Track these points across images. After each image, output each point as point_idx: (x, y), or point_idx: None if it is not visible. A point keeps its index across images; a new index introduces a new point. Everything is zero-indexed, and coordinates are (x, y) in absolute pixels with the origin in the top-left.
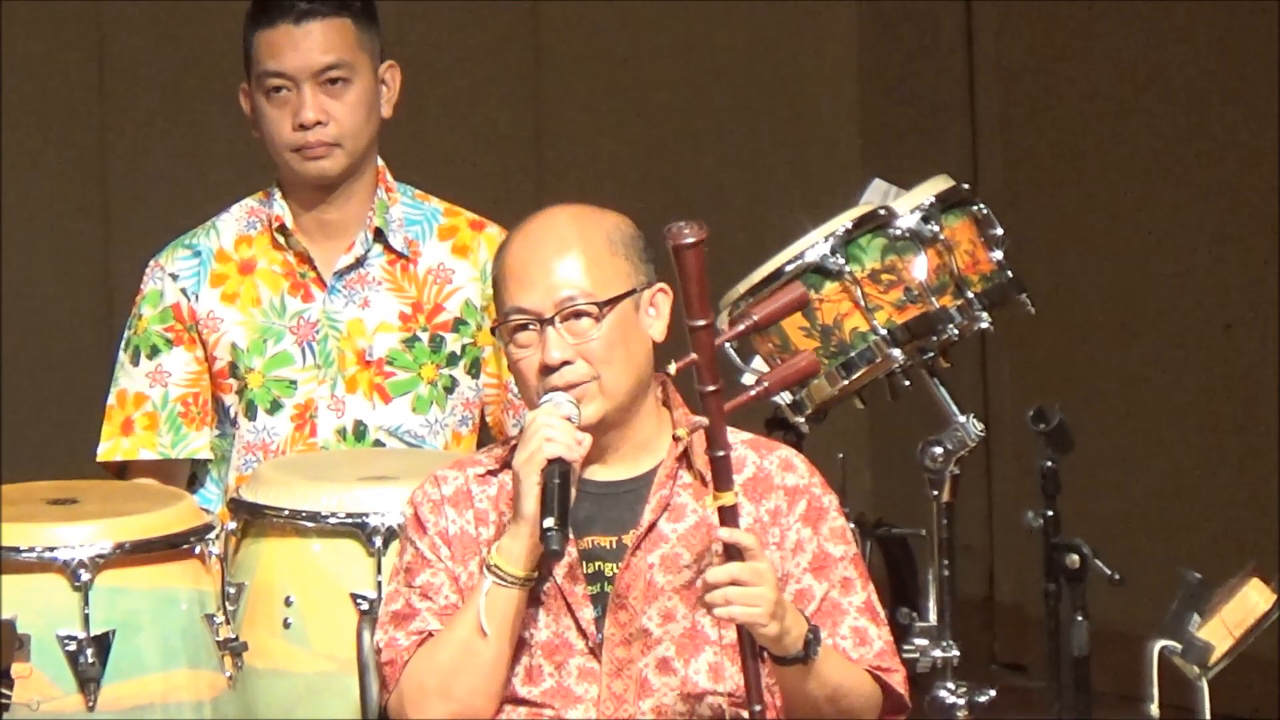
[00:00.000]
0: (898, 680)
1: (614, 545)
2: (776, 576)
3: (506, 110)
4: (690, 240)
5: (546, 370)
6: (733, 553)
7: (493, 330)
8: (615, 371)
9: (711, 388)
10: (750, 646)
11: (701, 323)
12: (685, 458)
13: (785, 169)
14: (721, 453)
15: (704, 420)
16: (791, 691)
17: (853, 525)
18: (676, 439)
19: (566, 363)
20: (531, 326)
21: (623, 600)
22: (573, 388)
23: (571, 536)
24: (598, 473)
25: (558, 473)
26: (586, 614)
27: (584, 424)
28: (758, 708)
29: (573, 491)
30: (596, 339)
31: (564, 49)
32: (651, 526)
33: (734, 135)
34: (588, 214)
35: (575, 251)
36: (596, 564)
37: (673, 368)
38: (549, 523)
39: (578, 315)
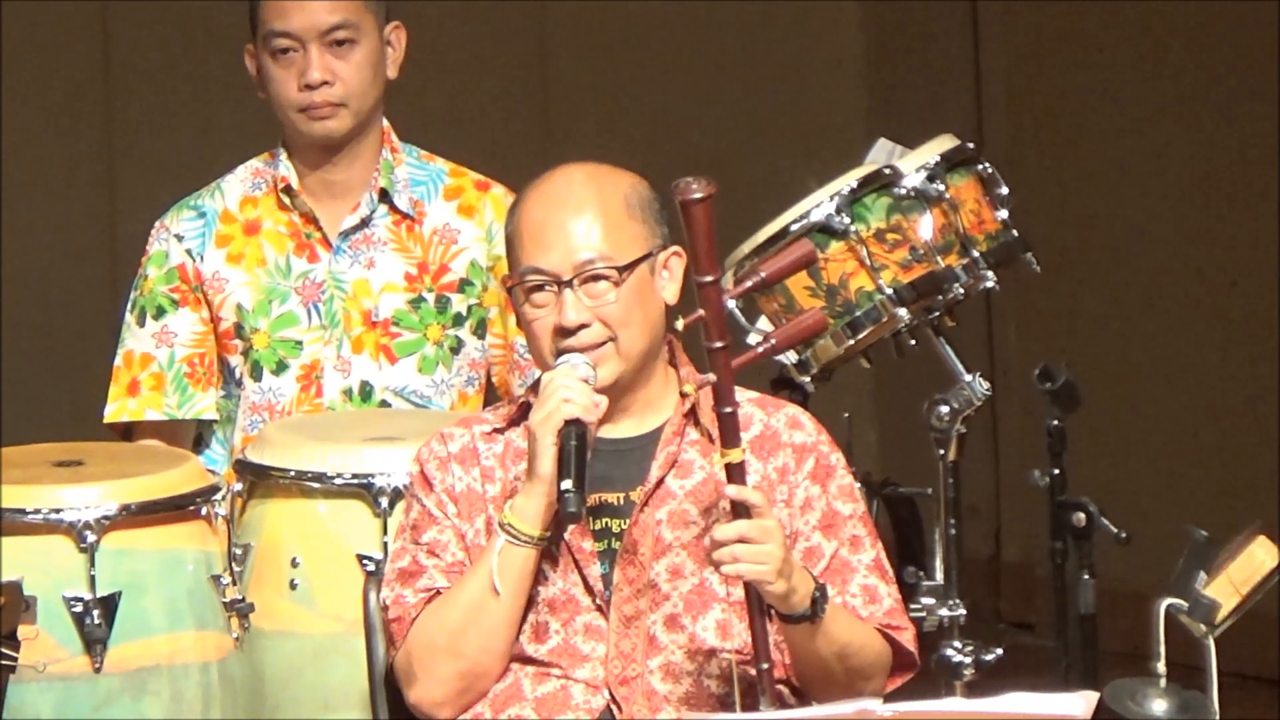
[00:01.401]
0: (907, 638)
1: (622, 502)
2: (785, 534)
3: (513, 72)
4: (698, 195)
5: (563, 332)
6: (740, 510)
7: (508, 289)
8: (631, 334)
9: (719, 344)
10: (758, 604)
11: (709, 278)
12: (692, 415)
13: (790, 130)
14: (728, 409)
15: (711, 377)
16: (800, 650)
17: (859, 485)
18: (684, 395)
19: (583, 325)
20: (548, 287)
21: (631, 556)
22: (588, 350)
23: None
24: (606, 430)
25: (575, 434)
26: (594, 570)
27: (600, 386)
28: (764, 665)
29: (589, 453)
30: (615, 303)
31: (571, 13)
32: (659, 483)
33: (739, 96)
34: (604, 174)
35: (593, 213)
36: (604, 520)
37: (680, 324)
38: (566, 485)
39: (596, 279)
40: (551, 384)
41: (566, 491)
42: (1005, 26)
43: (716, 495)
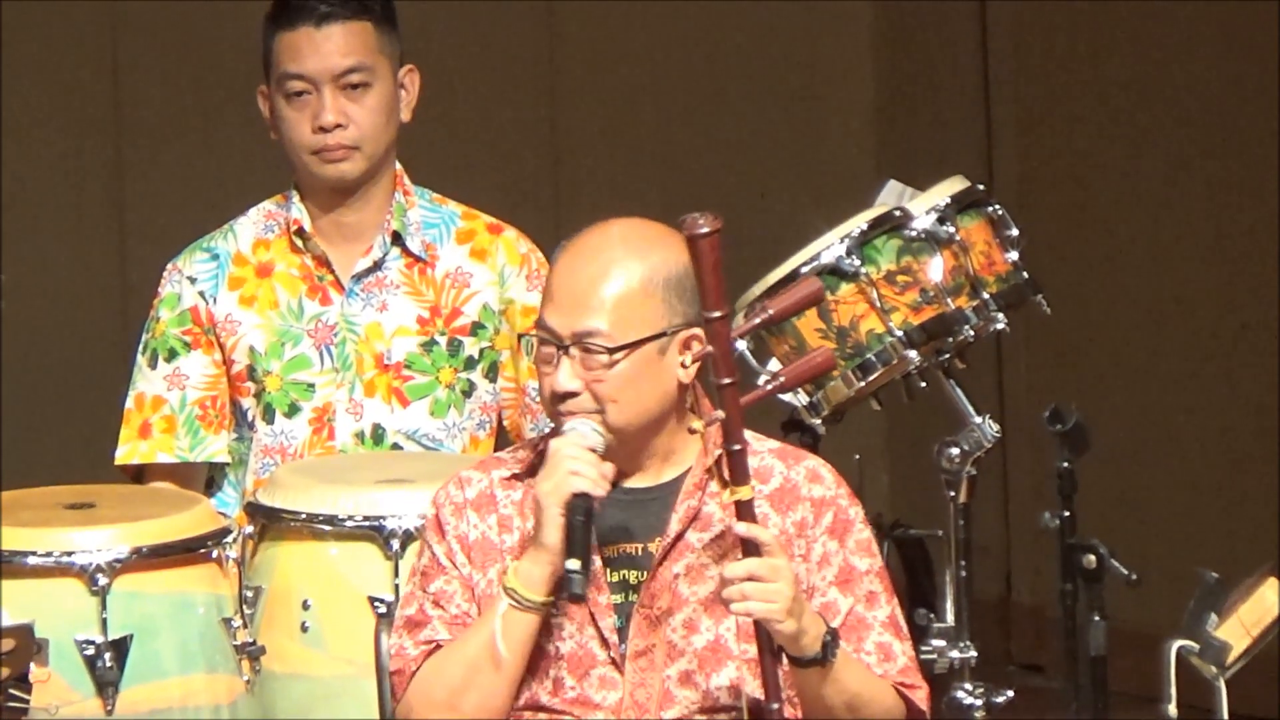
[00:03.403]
0: (920, 697)
1: (640, 553)
2: (796, 576)
3: (522, 112)
4: (705, 230)
5: (555, 397)
6: (750, 548)
7: (520, 335)
8: (619, 409)
9: (727, 380)
10: (768, 644)
11: (717, 314)
12: (716, 468)
13: (800, 171)
14: (737, 446)
15: (720, 414)
16: (810, 698)
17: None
18: (693, 432)
19: (572, 393)
20: (550, 345)
21: (647, 610)
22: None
23: (596, 544)
24: (622, 479)
25: (582, 509)
26: (608, 623)
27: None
28: (775, 706)
29: (593, 527)
30: (606, 379)
31: (579, 50)
32: (679, 537)
33: (749, 137)
34: (639, 241)
35: (607, 282)
36: (622, 573)
37: (689, 359)
38: (573, 565)
39: (591, 351)
40: (559, 453)
41: (573, 572)
42: (1015, 68)
43: (735, 549)
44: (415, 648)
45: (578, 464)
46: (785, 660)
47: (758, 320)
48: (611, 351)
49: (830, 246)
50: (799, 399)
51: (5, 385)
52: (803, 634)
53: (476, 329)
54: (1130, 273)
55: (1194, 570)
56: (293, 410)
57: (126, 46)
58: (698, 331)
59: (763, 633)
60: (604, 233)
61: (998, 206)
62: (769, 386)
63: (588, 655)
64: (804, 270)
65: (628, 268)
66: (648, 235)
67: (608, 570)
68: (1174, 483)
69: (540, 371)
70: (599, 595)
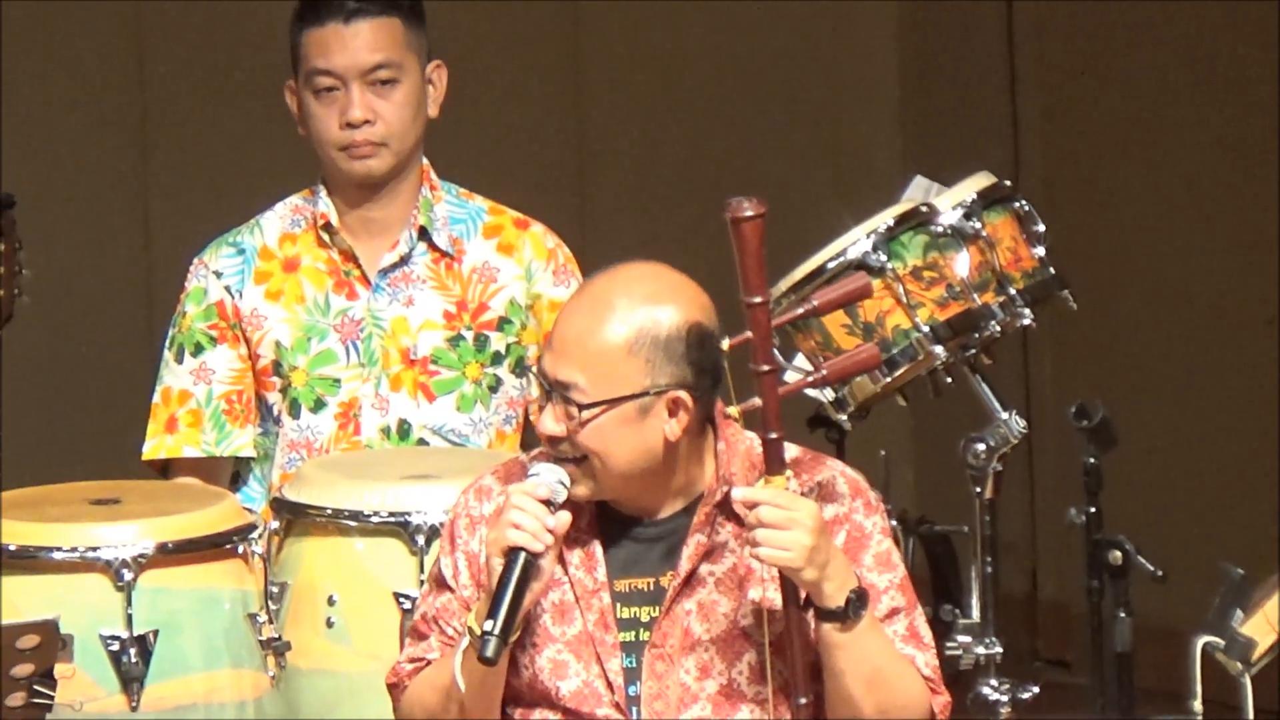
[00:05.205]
0: (940, 704)
1: (651, 588)
2: (822, 526)
3: (548, 108)
4: (749, 214)
5: (544, 438)
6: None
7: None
8: (599, 461)
9: (766, 368)
10: (793, 595)
11: (758, 300)
12: (725, 504)
13: (826, 167)
14: (774, 435)
15: (757, 401)
16: (832, 666)
17: (895, 523)
18: (728, 418)
19: (556, 438)
20: (544, 385)
21: (659, 650)
22: (561, 461)
23: (606, 580)
24: (634, 511)
25: (521, 565)
26: (614, 665)
27: (578, 499)
28: (803, 700)
29: (536, 585)
30: (581, 431)
31: (604, 47)
32: (691, 574)
33: (775, 133)
34: (641, 297)
35: (593, 338)
36: (632, 610)
37: (726, 343)
38: (489, 626)
39: (568, 402)
40: (508, 500)
41: (487, 634)
42: (1041, 63)
43: (748, 582)
44: (409, 663)
45: (521, 516)
46: (811, 612)
47: (800, 310)
48: (582, 407)
49: (857, 242)
50: (825, 394)
51: (30, 380)
52: (825, 582)
53: (503, 324)
54: (1156, 268)
55: (1220, 566)
56: (318, 405)
57: (151, 39)
58: (683, 395)
59: (788, 583)
60: (611, 280)
61: (1024, 202)
62: (810, 379)
63: (593, 694)
64: (830, 265)
65: (620, 323)
66: (654, 289)
67: (617, 606)
68: (1200, 479)
69: (538, 406)
70: (606, 635)
